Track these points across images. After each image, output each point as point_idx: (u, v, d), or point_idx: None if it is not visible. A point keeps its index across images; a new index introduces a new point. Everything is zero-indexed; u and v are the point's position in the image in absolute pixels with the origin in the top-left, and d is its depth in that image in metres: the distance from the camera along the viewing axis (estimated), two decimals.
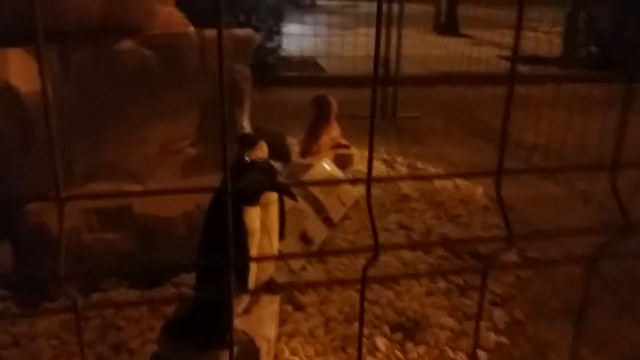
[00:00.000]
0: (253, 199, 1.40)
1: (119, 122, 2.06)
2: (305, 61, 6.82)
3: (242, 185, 1.40)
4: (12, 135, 1.78)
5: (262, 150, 1.53)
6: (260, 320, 1.56)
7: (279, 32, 6.60)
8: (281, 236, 1.66)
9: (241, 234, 1.37)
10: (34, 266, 1.78)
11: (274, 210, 1.60)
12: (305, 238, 2.17)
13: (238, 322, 1.51)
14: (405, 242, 2.37)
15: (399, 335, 1.77)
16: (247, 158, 1.47)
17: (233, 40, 2.32)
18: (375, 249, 0.59)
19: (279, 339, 1.68)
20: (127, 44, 2.00)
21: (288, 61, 6.76)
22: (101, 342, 1.65)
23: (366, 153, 3.45)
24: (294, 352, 1.64)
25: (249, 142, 1.51)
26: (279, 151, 3.06)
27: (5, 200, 1.82)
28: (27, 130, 1.80)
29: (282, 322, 1.77)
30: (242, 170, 1.43)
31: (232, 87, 2.31)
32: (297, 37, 7.44)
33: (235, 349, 1.47)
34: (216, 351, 1.44)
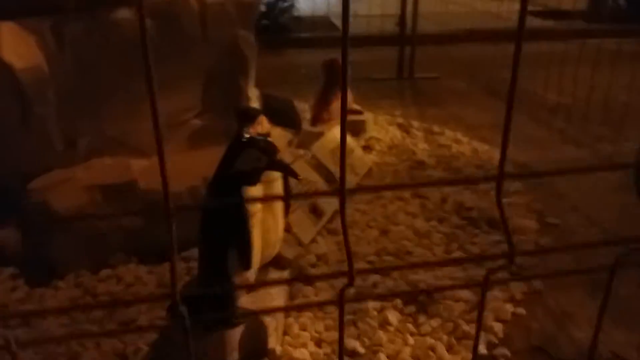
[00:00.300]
0: (252, 178, 1.34)
1: (120, 96, 2.01)
2: (319, 21, 6.63)
3: (240, 166, 1.34)
4: (8, 112, 1.74)
5: (262, 126, 1.47)
6: (268, 297, 1.53)
7: None
8: (287, 213, 1.61)
9: (241, 215, 1.32)
10: (40, 244, 1.77)
11: (278, 186, 1.54)
12: (315, 210, 2.12)
13: (245, 300, 1.49)
14: (419, 211, 2.30)
15: (411, 308, 1.72)
16: (245, 134, 1.40)
17: (235, 4, 2.21)
18: (350, 276, 0.52)
19: (288, 314, 1.65)
20: (123, 14, 1.92)
21: (301, 21, 6.58)
22: (109, 320, 1.64)
23: (380, 117, 3.36)
24: (303, 328, 1.61)
25: (248, 117, 1.44)
26: (290, 119, 2.98)
27: (7, 179, 1.80)
28: (24, 107, 1.76)
29: (292, 297, 1.73)
30: (241, 148, 1.36)
31: (236, 55, 2.23)
32: None
33: (242, 327, 1.44)
34: (223, 330, 1.41)
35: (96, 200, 1.85)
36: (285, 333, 1.59)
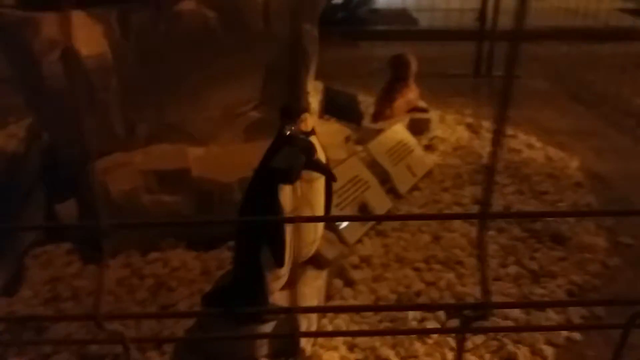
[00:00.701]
0: (289, 176, 1.32)
1: (181, 85, 2.05)
2: (398, 14, 6.50)
3: (277, 163, 1.32)
4: (74, 97, 1.82)
5: (306, 123, 1.43)
6: (302, 296, 1.51)
7: None
8: (327, 212, 1.57)
9: (275, 212, 1.30)
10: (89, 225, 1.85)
11: (320, 185, 1.51)
12: (364, 210, 2.07)
13: (278, 297, 1.47)
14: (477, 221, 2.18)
15: (454, 322, 1.64)
16: (287, 131, 1.38)
17: None
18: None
19: (323, 315, 1.62)
20: (188, 5, 1.95)
21: (381, 14, 6.48)
22: (152, 302, 1.69)
23: (449, 116, 3.23)
24: (337, 330, 1.57)
25: (291, 114, 1.41)
26: (352, 114, 2.94)
27: (71, 160, 1.90)
28: (88, 92, 1.84)
29: (329, 297, 1.70)
30: (280, 145, 1.34)
31: (297, 50, 2.20)
32: None
33: (273, 324, 1.43)
34: (253, 326, 1.41)
35: (150, 185, 1.91)
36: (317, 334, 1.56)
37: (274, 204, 1.30)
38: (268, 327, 1.43)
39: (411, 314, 1.63)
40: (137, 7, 1.88)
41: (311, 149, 1.33)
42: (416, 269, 1.86)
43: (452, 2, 5.15)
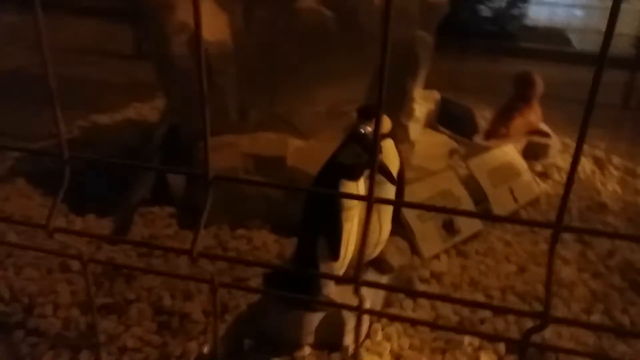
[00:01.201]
0: (352, 173, 1.36)
1: (293, 78, 2.17)
2: (553, 33, 6.10)
3: (342, 159, 1.37)
4: (194, 78, 2.03)
5: (383, 126, 1.46)
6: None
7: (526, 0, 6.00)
8: (395, 219, 1.58)
9: (334, 206, 1.35)
10: (195, 196, 2.05)
11: (390, 189, 1.52)
12: (449, 226, 2.02)
13: (335, 291, 1.52)
14: (575, 259, 2.02)
15: (512, 358, 1.55)
16: (362, 130, 1.42)
17: (419, 5, 2.20)
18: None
19: (377, 319, 1.64)
20: (308, 3, 2.06)
21: (532, 31, 6.14)
22: (229, 273, 1.83)
23: (574, 147, 2.99)
24: (387, 337, 1.58)
25: (366, 114, 1.45)
26: (465, 127, 2.86)
27: (188, 135, 2.12)
28: (208, 76, 2.03)
29: (388, 304, 1.71)
30: (347, 142, 1.39)
31: (408, 55, 2.22)
32: (550, 5, 6.68)
33: (320, 315, 1.49)
34: (301, 313, 1.48)
35: (248, 168, 2.06)
36: (367, 336, 1.58)
37: (335, 198, 1.35)
38: (317, 317, 1.49)
39: (467, 339, 1.58)
40: (261, 1, 2.03)
41: (377, 149, 1.35)
42: (488, 296, 1.79)
43: (624, 26, 4.74)
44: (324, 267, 1.43)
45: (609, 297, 1.82)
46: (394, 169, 1.52)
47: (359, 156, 1.33)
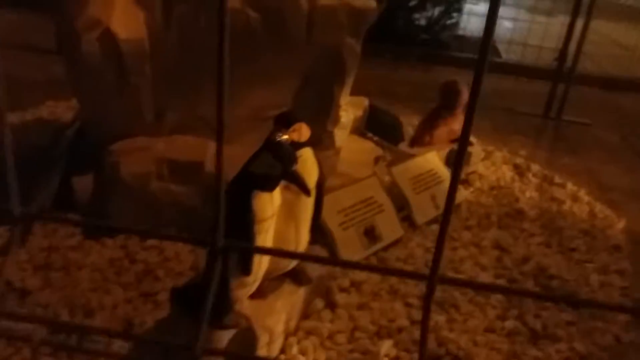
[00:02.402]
0: (265, 184, 1.29)
1: (215, 80, 2.08)
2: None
3: (254, 168, 1.30)
4: (108, 77, 1.90)
5: (299, 133, 1.40)
6: (271, 310, 1.47)
7: (459, 9, 6.17)
8: (313, 229, 1.53)
9: (246, 218, 1.28)
10: (102, 202, 1.92)
11: (310, 199, 1.47)
12: (370, 233, 2.00)
13: (246, 306, 1.45)
14: (491, 265, 2.05)
15: None
16: (278, 138, 1.36)
17: (347, 11, 2.17)
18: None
19: (294, 333, 1.58)
20: (233, 3, 1.98)
21: (464, 41, 6.33)
22: (135, 287, 1.72)
23: (498, 153, 3.08)
24: (303, 352, 1.53)
25: (283, 122, 1.39)
26: (392, 134, 2.87)
27: (96, 136, 1.98)
28: (121, 75, 1.91)
29: (306, 316, 1.65)
30: (259, 151, 1.33)
31: (336, 62, 2.19)
32: (483, 17, 6.90)
33: (231, 332, 1.41)
34: (211, 330, 1.39)
35: (162, 173, 1.95)
36: (282, 351, 1.52)
37: (246, 209, 1.28)
38: (227, 334, 1.41)
39: (384, 349, 1.55)
40: None
41: (290, 159, 1.29)
42: (408, 305, 1.78)
43: (532, 38, 4.94)
44: (235, 282, 1.35)
45: (522, 302, 1.85)
46: (313, 178, 1.46)
47: (271, 166, 1.27)
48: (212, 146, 2.09)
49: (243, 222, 1.29)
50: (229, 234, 1.33)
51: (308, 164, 1.45)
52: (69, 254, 1.79)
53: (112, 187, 1.90)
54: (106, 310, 1.60)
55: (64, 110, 3.07)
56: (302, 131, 1.42)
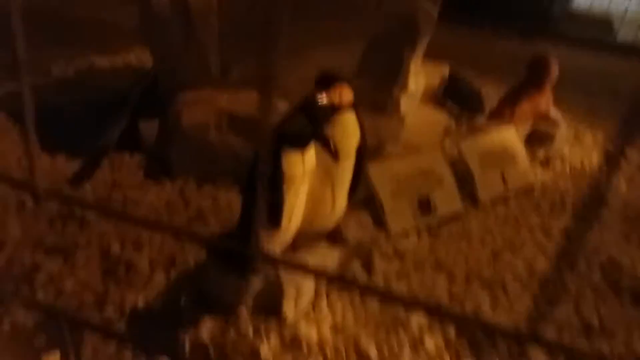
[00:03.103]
0: (297, 142, 1.27)
1: (281, 39, 2.07)
2: (599, 21, 5.75)
3: (287, 127, 1.28)
4: (175, 29, 1.96)
5: (341, 95, 1.36)
6: (302, 265, 1.46)
7: None
8: (351, 195, 1.49)
9: (276, 174, 1.27)
10: (164, 147, 2.00)
11: (349, 164, 1.43)
12: (424, 205, 1.92)
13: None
14: (555, 251, 1.89)
15: (461, 342, 1.45)
16: (315, 99, 1.32)
17: None
18: None
19: (326, 292, 1.56)
20: None
21: (576, 18, 5.82)
22: (189, 226, 1.78)
23: (589, 137, 2.82)
24: (331, 309, 1.50)
25: (323, 82, 1.35)
26: (471, 106, 2.72)
27: (167, 86, 2.06)
28: (189, 27, 1.95)
29: (340, 277, 1.63)
30: (294, 110, 1.30)
31: (408, 26, 2.08)
32: None
33: (259, 282, 1.42)
34: (238, 277, 1.42)
35: (221, 125, 1.99)
36: (313, 307, 1.51)
37: (276, 165, 1.27)
38: (255, 282, 1.42)
39: (415, 319, 1.49)
40: None
41: (321, 120, 1.25)
42: (451, 281, 1.69)
43: None
44: (264, 234, 1.35)
45: (581, 295, 1.69)
46: (353, 142, 1.42)
47: (303, 126, 1.24)
48: (276, 104, 2.10)
49: (272, 177, 1.28)
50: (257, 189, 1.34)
51: (349, 128, 1.41)
52: (129, 192, 1.90)
53: (173, 134, 1.97)
54: (154, 247, 1.68)
55: (150, 57, 3.22)
56: (343, 93, 1.38)
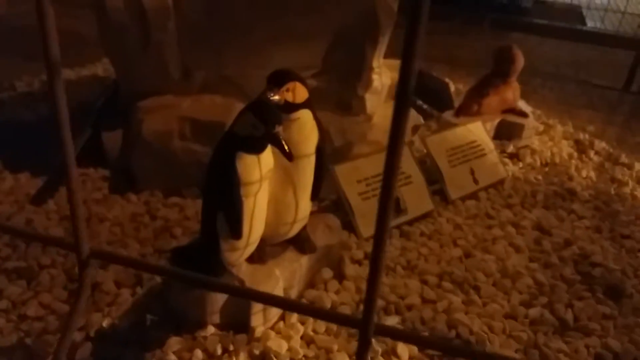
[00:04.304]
0: (250, 145, 1.23)
1: (243, 39, 2.03)
2: (568, 10, 5.81)
3: (237, 129, 1.24)
4: (132, 33, 1.90)
5: (293, 94, 1.32)
6: (268, 275, 1.43)
7: None
8: (314, 196, 1.46)
9: (230, 180, 1.23)
10: (127, 157, 1.95)
11: (307, 164, 1.40)
12: (395, 206, 1.90)
13: (243, 270, 1.42)
14: (527, 247, 1.89)
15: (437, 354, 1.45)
16: (270, 97, 1.29)
17: None
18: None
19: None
20: None
21: (546, 7, 5.87)
22: (152, 243, 1.74)
23: (559, 128, 2.84)
24: (302, 320, 1.48)
25: (276, 81, 1.32)
26: (439, 102, 2.71)
27: (125, 93, 2.00)
28: (146, 31, 1.90)
29: (311, 285, 1.60)
30: (243, 111, 1.26)
31: (369, 20, 2.05)
32: None
33: (224, 295, 1.39)
34: (204, 291, 1.38)
35: (185, 132, 1.94)
36: (282, 318, 1.48)
37: (230, 171, 1.23)
38: (221, 296, 1.39)
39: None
40: None
41: (272, 120, 1.21)
42: (423, 282, 1.68)
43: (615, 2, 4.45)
44: (225, 245, 1.32)
45: (555, 291, 1.69)
46: (311, 142, 1.39)
47: (254, 126, 1.20)
48: (237, 106, 2.05)
49: (228, 184, 1.24)
50: (215, 196, 1.30)
51: (307, 127, 1.38)
52: (93, 207, 1.85)
53: (136, 143, 1.92)
54: (119, 265, 1.63)
55: None
56: (297, 91, 1.34)
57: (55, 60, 0.47)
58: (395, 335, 0.58)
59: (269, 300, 0.64)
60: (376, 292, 0.52)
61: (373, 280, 0.52)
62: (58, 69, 0.47)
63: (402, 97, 0.43)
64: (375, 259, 0.52)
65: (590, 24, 5.20)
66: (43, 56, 0.45)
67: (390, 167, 0.46)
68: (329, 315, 0.65)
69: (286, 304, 0.64)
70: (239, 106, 2.04)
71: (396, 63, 2.49)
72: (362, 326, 0.55)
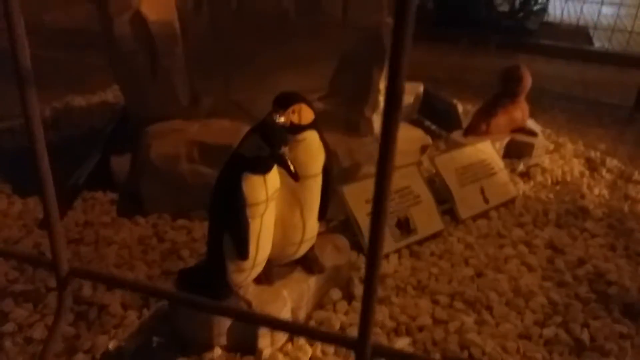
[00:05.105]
0: (256, 166, 1.23)
1: (249, 64, 2.06)
2: (574, 31, 5.83)
3: (243, 150, 1.25)
4: (140, 59, 1.93)
5: (299, 115, 1.33)
6: (276, 297, 1.42)
7: None
8: (321, 216, 1.45)
9: (236, 201, 1.23)
10: (136, 181, 1.96)
11: (314, 183, 1.39)
12: (404, 225, 1.88)
13: (251, 292, 1.40)
14: (540, 265, 1.85)
15: None
16: (277, 119, 1.30)
17: None
18: None
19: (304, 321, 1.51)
20: None
21: (552, 28, 5.89)
22: (159, 265, 1.73)
23: (570, 146, 2.81)
24: (310, 342, 1.45)
25: (281, 103, 1.32)
26: (447, 122, 2.71)
27: (133, 118, 2.02)
28: (154, 57, 1.93)
29: (320, 306, 1.58)
30: (249, 133, 1.27)
31: (374, 43, 2.07)
32: (574, 2, 6.38)
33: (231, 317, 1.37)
34: (212, 313, 1.36)
35: (193, 155, 1.95)
36: (290, 339, 1.46)
37: (236, 192, 1.23)
38: (227, 319, 1.37)
39: (400, 343, 1.44)
40: None
41: (278, 141, 1.21)
42: (434, 302, 1.65)
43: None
44: (232, 266, 1.31)
45: (570, 310, 1.65)
46: (318, 163, 1.39)
47: (260, 147, 1.21)
48: (245, 130, 2.06)
49: (234, 205, 1.24)
50: (221, 217, 1.30)
51: (313, 148, 1.38)
52: (101, 230, 1.85)
53: (144, 167, 1.93)
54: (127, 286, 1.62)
55: None
56: (303, 113, 1.35)
57: (27, 71, 0.47)
58: (395, 356, 0.56)
59: (269, 322, 0.62)
60: (371, 312, 0.50)
61: (368, 300, 0.50)
62: (30, 79, 0.47)
63: (391, 112, 0.41)
64: (369, 278, 0.50)
65: (597, 44, 5.21)
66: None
67: (381, 191, 0.43)
68: (324, 335, 0.62)
69: (280, 325, 0.61)
70: (246, 129, 2.07)
71: (410, 86, 2.51)
72: (359, 348, 0.53)
